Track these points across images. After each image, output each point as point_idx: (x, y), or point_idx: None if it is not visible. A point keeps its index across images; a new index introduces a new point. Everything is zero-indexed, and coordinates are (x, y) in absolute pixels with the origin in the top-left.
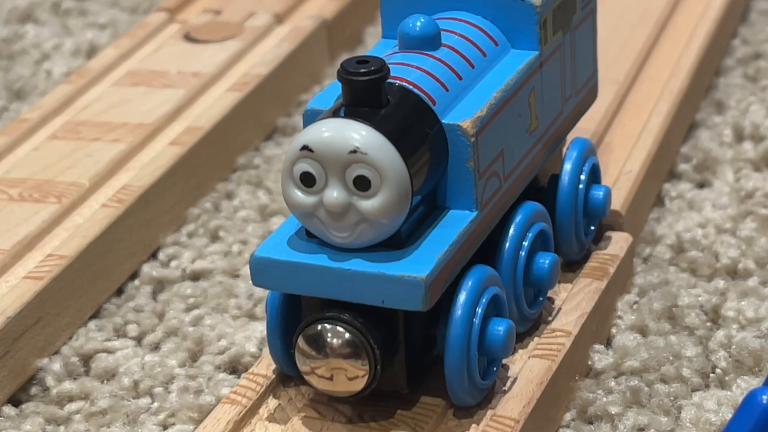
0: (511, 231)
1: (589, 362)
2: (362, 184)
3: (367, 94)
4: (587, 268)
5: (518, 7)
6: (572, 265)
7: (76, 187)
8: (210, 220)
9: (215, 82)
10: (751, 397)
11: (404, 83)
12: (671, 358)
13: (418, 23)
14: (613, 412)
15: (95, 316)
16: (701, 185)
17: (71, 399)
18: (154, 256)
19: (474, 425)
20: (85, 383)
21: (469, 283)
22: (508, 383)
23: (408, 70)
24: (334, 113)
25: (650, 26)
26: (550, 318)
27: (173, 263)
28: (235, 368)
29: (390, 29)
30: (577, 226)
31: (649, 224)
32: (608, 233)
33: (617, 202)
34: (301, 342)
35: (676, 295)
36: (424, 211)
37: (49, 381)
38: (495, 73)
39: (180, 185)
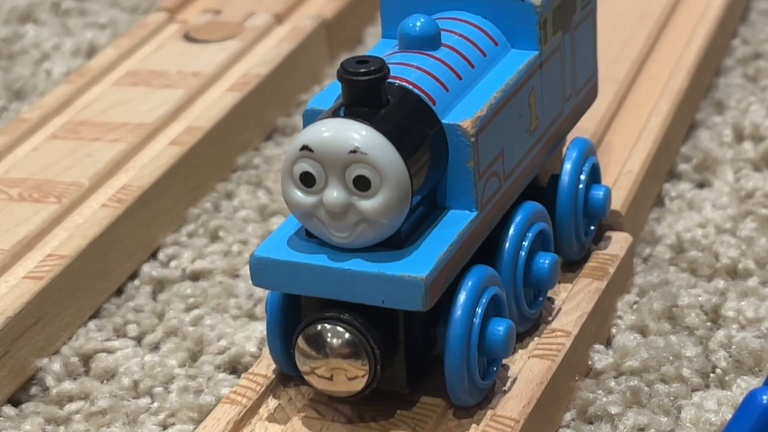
0: (511, 231)
1: (589, 362)
2: (362, 184)
3: (367, 94)
4: (587, 268)
5: (518, 7)
6: (572, 265)
7: (76, 187)
8: (210, 220)
9: (215, 82)
10: (751, 397)
11: (404, 83)
12: (671, 358)
13: (418, 23)
14: (613, 412)
15: (95, 316)
16: (701, 185)
17: (71, 399)
18: (154, 256)
19: (474, 425)
20: (85, 383)
21: (469, 283)
22: (508, 383)
23: (408, 70)
24: (334, 113)
25: (650, 26)
26: (550, 318)
27: (173, 263)
28: (235, 368)
29: (390, 29)
30: (577, 226)
31: (649, 224)
32: (608, 233)
33: (617, 202)
34: (301, 342)
35: (676, 295)
36: (424, 211)
37: (49, 381)
38: (495, 73)
39: (180, 185)
